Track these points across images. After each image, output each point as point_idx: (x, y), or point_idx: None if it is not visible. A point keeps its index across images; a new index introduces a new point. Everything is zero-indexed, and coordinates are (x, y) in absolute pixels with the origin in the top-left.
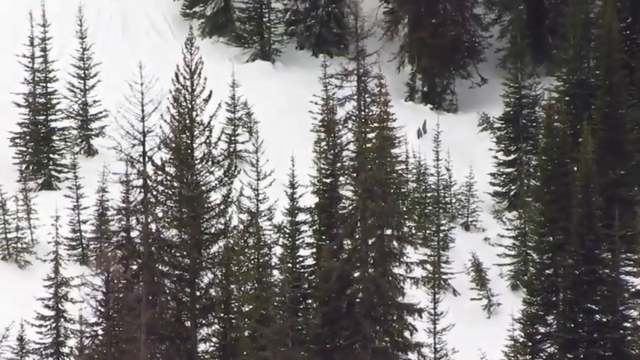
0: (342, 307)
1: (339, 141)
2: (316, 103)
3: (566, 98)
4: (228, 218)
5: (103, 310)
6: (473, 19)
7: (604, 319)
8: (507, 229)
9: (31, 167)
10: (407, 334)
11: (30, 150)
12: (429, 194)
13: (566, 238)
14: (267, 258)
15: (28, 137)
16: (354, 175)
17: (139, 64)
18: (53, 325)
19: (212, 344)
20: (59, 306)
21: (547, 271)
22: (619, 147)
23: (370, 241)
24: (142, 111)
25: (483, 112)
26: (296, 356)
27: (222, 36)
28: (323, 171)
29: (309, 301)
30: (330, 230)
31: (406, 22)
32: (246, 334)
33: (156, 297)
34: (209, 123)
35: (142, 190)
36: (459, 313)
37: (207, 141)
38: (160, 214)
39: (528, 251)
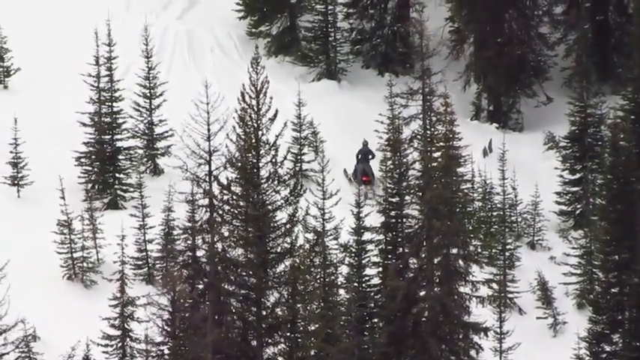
0: (408, 326)
1: (404, 160)
2: (382, 122)
3: (632, 117)
4: (294, 237)
5: (169, 329)
6: (538, 38)
7: None
8: (573, 248)
9: (96, 187)
10: (473, 352)
11: (96, 169)
12: (494, 213)
13: (631, 257)
14: (333, 277)
15: (93, 157)
16: (420, 194)
17: (204, 84)
18: (119, 344)
19: None
20: (125, 325)
21: (613, 290)
22: None
23: (436, 260)
24: (208, 130)
25: (549, 131)
26: None
27: (288, 55)
28: (389, 190)
29: (375, 320)
30: (395, 249)
31: (472, 41)
32: (312, 353)
33: (222, 316)
34: (275, 142)
35: (208, 209)
36: (524, 332)
37: (273, 160)
38: (226, 234)
39: (594, 270)
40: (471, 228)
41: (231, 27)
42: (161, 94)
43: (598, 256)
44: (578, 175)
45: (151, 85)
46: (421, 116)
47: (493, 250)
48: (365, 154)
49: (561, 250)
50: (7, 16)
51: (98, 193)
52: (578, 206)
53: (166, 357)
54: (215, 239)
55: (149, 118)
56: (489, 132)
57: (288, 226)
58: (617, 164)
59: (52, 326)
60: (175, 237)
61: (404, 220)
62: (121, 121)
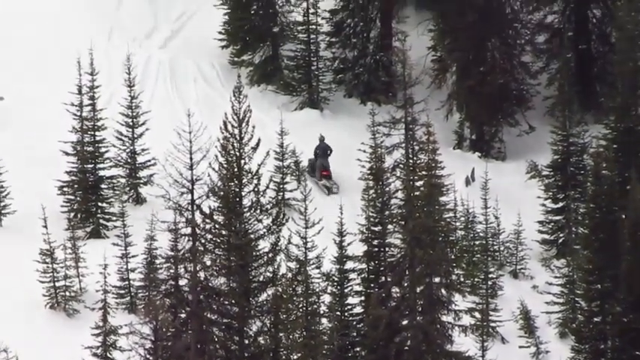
0: (390, 354)
1: (387, 189)
2: (364, 151)
3: (614, 146)
4: (276, 266)
5: (151, 358)
6: (521, 66)
7: None
8: (556, 277)
9: (79, 215)
10: None
11: (78, 198)
12: (477, 242)
13: (614, 286)
14: (315, 306)
15: (76, 186)
16: (403, 222)
17: (187, 112)
18: None
19: None
20: (108, 354)
21: (595, 319)
22: None
23: (419, 289)
24: (191, 159)
25: (531, 160)
26: None
27: (271, 84)
28: (371, 219)
29: (358, 349)
30: (378, 278)
31: (454, 70)
32: None
33: (204, 345)
34: (257, 171)
35: (191, 238)
36: None
37: (256, 189)
38: (209, 262)
39: (577, 299)
40: (453, 257)
41: (213, 56)
42: (144, 123)
43: (581, 285)
44: (560, 204)
45: (134, 114)
46: (404, 145)
47: (476, 279)
48: (324, 150)
49: (544, 278)
50: None
51: (81, 222)
52: (561, 235)
53: None
54: (197, 268)
55: (132, 147)
56: (472, 161)
57: (270, 254)
58: (600, 193)
59: (34, 355)
60: (158, 266)
61: (386, 248)
62: (103, 150)
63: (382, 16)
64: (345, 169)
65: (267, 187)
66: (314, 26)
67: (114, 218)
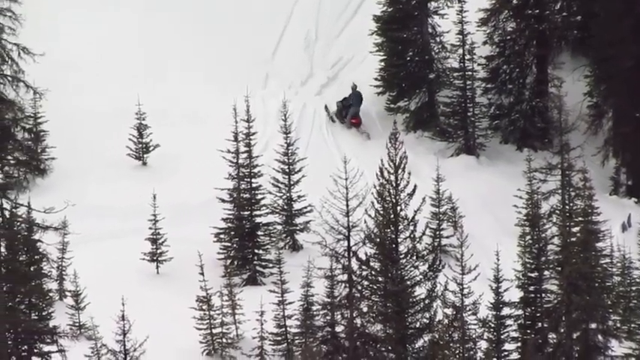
0: None
1: (543, 235)
2: (521, 197)
3: None
4: (433, 312)
5: None
6: None
7: None
8: None
9: (235, 262)
10: None
11: (235, 245)
12: (633, 288)
13: None
14: (472, 352)
15: (232, 233)
16: (559, 269)
17: (343, 159)
18: None
19: None
20: None
21: None
22: None
23: (575, 335)
24: (347, 206)
25: None
26: None
27: (427, 130)
28: (528, 265)
29: None
30: (534, 324)
31: (610, 116)
32: None
33: None
34: (413, 217)
35: (347, 284)
36: None
37: (412, 235)
38: (365, 309)
39: None
40: (610, 303)
41: (369, 103)
42: (300, 170)
43: None
44: None
45: (290, 160)
46: (560, 191)
47: (632, 325)
48: (359, 98)
49: None
50: (146, 94)
51: (237, 269)
52: None
53: None
54: (354, 315)
55: (288, 194)
56: (628, 207)
57: (427, 301)
58: None
59: None
60: (314, 313)
61: (543, 295)
62: (259, 196)
63: (538, 62)
64: (502, 214)
65: (424, 233)
66: (470, 72)
67: (270, 265)
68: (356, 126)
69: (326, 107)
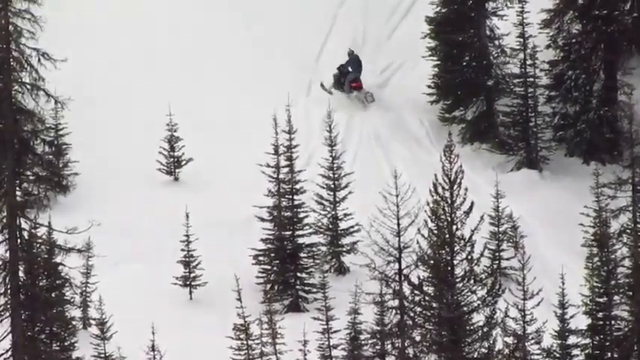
0: None
1: (613, 256)
2: (588, 215)
3: None
4: (492, 341)
5: None
6: None
7: None
8: None
9: (276, 287)
10: None
11: (275, 268)
12: None
13: None
14: None
15: (272, 254)
16: (630, 293)
17: (393, 174)
18: None
19: None
20: None
21: None
22: None
23: None
24: (398, 225)
25: None
26: None
27: (485, 142)
28: (596, 289)
29: None
30: (603, 354)
31: None
32: None
33: None
34: (470, 237)
35: (398, 311)
36: None
37: (469, 257)
38: (418, 338)
39: None
40: None
41: (422, 112)
42: (346, 186)
43: None
44: None
45: (335, 175)
46: (631, 208)
47: None
48: (357, 63)
49: None
50: (178, 103)
51: (278, 294)
52: None
53: None
54: (406, 344)
55: (333, 212)
56: None
57: (485, 329)
58: None
59: None
60: (363, 342)
61: (612, 322)
62: (302, 215)
63: (606, 67)
64: (567, 234)
65: (482, 254)
66: (532, 79)
67: (314, 290)
68: (357, 89)
69: (322, 85)
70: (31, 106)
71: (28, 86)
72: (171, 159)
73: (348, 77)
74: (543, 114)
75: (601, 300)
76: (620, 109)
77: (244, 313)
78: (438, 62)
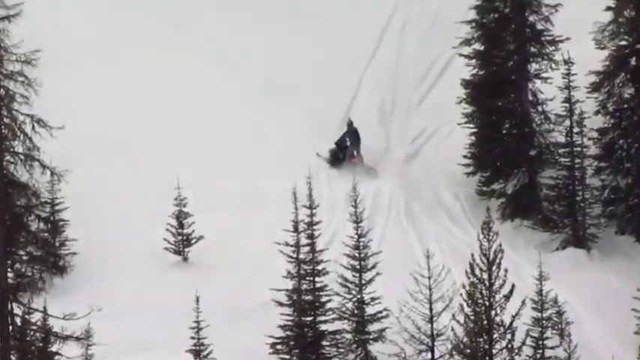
0: None
1: None
2: None
3: None
4: None
5: None
6: None
7: None
8: None
9: None
10: None
11: (295, 358)
12: None
13: None
14: None
15: (292, 343)
16: None
17: (426, 253)
18: None
19: None
20: None
21: None
22: None
23: None
24: (430, 310)
25: None
26: None
27: (526, 219)
28: None
29: None
30: None
31: None
32: None
33: None
34: (511, 324)
35: None
36: None
37: (509, 346)
38: None
39: None
40: None
41: (457, 185)
42: (373, 267)
43: None
44: None
45: (362, 255)
46: None
47: None
48: (356, 135)
49: None
50: (188, 174)
51: None
52: None
53: None
54: None
55: (359, 296)
56: None
57: None
58: None
59: None
60: None
61: None
62: (325, 299)
63: None
64: (618, 320)
65: (523, 343)
66: (579, 148)
67: None
68: (356, 164)
69: (318, 154)
70: (25, 179)
71: (22, 156)
72: (180, 237)
73: (348, 152)
74: (591, 187)
75: None
76: None
77: None
78: (475, 130)
